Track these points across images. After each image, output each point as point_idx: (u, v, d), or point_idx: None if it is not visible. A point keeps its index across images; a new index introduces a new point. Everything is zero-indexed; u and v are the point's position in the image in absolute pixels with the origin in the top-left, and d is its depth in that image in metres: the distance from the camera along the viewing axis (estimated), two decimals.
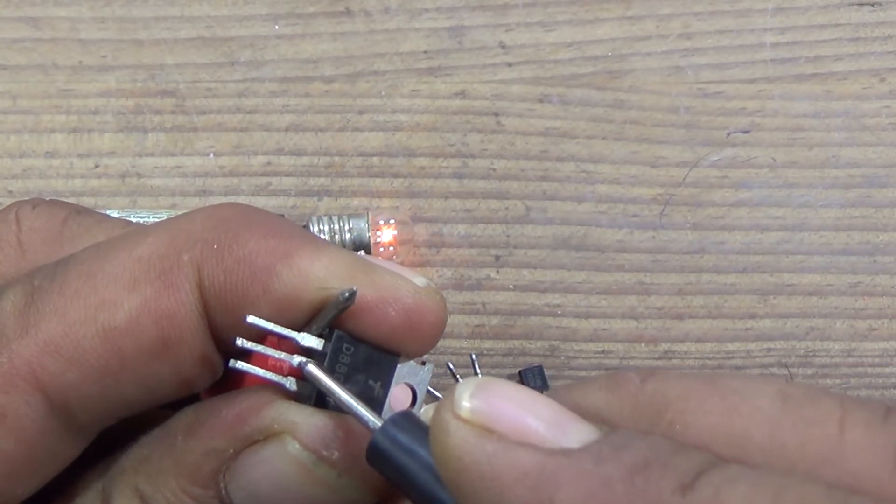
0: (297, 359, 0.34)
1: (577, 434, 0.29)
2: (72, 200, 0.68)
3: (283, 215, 0.71)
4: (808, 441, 0.29)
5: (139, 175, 0.72)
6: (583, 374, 0.71)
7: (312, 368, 0.33)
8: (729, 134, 0.75)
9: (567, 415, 0.29)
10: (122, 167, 0.72)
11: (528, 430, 0.28)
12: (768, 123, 0.76)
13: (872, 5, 0.78)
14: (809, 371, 0.72)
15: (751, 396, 0.29)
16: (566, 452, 0.28)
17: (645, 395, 0.30)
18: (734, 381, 0.30)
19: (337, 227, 0.70)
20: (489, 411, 0.28)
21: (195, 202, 0.72)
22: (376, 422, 0.32)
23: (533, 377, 0.70)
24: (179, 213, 0.68)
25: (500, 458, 0.28)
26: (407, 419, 0.31)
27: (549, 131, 0.75)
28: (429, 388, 0.37)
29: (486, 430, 0.28)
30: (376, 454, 0.31)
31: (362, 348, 0.34)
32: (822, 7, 0.77)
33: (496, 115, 0.75)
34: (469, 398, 0.29)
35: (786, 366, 0.72)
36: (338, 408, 0.33)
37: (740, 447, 0.28)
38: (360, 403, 0.32)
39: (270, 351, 0.34)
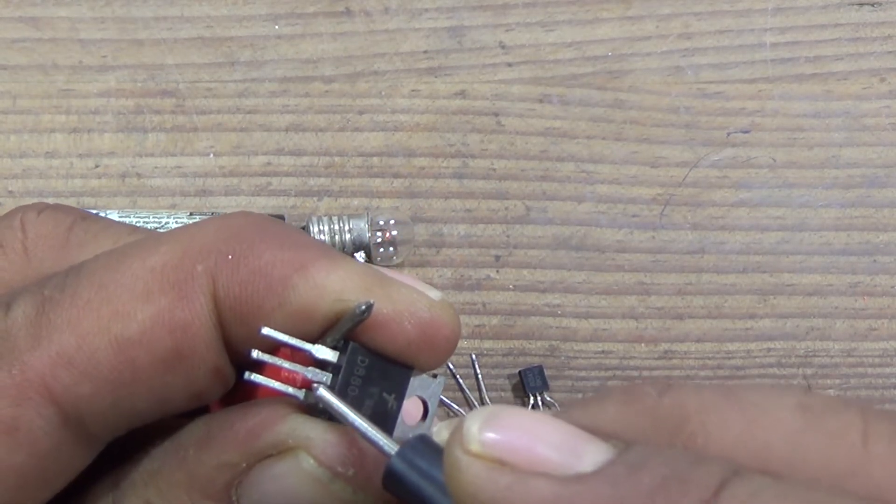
0: (312, 372, 0.33)
1: (591, 456, 0.28)
2: (72, 200, 0.68)
3: (283, 216, 0.71)
4: (831, 454, 0.28)
5: (139, 175, 0.72)
6: (583, 374, 0.71)
7: (324, 392, 0.33)
8: (729, 134, 0.75)
9: (579, 437, 0.29)
10: (122, 167, 0.72)
11: (541, 459, 0.28)
12: (768, 123, 0.76)
13: (872, 5, 0.78)
14: (809, 371, 0.73)
15: (771, 409, 0.29)
16: (581, 478, 0.28)
17: (663, 409, 0.30)
18: (753, 393, 0.30)
19: (337, 227, 0.70)
20: (499, 444, 0.28)
21: (195, 202, 0.71)
22: (392, 446, 0.32)
23: (533, 377, 0.70)
24: (179, 213, 0.68)
25: (514, 491, 0.28)
26: (423, 443, 0.31)
27: (549, 131, 0.74)
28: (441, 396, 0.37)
29: (498, 464, 0.28)
30: (393, 479, 0.31)
31: (377, 361, 0.34)
32: (822, 7, 0.77)
33: (496, 115, 0.74)
34: (478, 431, 0.28)
35: (784, 366, 0.72)
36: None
37: (763, 460, 0.28)
38: (374, 427, 0.32)
39: (286, 363, 0.34)
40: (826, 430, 0.29)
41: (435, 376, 0.36)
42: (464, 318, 0.72)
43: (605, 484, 0.27)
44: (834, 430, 0.29)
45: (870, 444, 0.28)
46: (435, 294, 0.35)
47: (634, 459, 0.28)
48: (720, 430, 0.29)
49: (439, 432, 0.32)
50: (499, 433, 0.28)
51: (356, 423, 0.33)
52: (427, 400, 0.36)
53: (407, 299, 0.34)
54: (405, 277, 0.35)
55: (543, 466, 0.28)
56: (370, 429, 0.32)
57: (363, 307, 0.33)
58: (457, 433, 0.29)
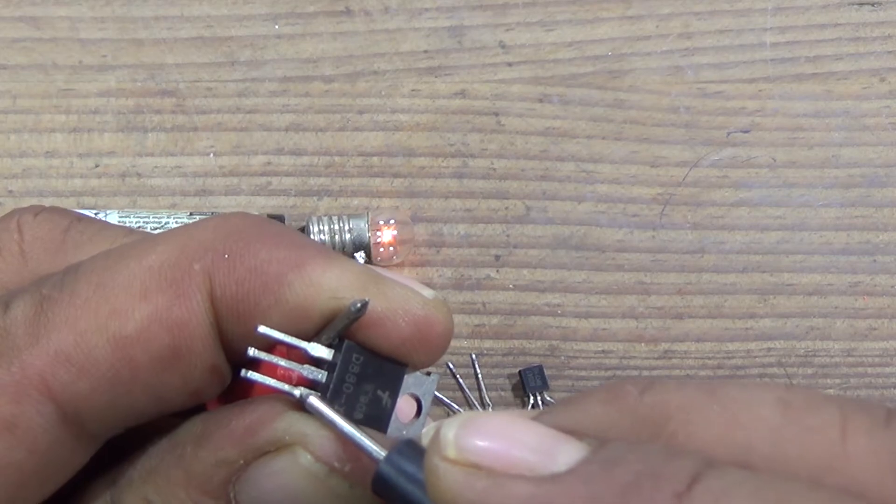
0: (308, 370, 0.34)
1: (565, 456, 0.28)
2: (72, 200, 0.68)
3: (282, 216, 0.71)
4: (810, 449, 0.28)
5: (139, 175, 0.72)
6: (583, 373, 0.72)
7: (314, 401, 0.33)
8: (729, 134, 0.75)
9: (553, 437, 0.29)
10: (122, 167, 0.72)
11: (516, 461, 0.28)
12: (768, 123, 0.76)
13: (872, 5, 0.78)
14: (809, 371, 0.73)
15: (751, 405, 0.29)
16: (555, 478, 0.28)
17: (645, 408, 0.30)
18: (733, 390, 0.30)
19: (337, 227, 0.70)
20: (474, 448, 0.29)
21: (195, 202, 0.72)
22: (380, 452, 0.32)
23: (533, 377, 0.70)
24: (179, 213, 0.68)
25: (491, 494, 0.28)
26: (410, 448, 0.31)
27: (549, 131, 0.75)
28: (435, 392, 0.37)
29: (474, 468, 0.28)
30: (382, 484, 0.31)
31: (371, 359, 0.34)
32: (822, 7, 0.77)
33: (496, 115, 0.75)
34: (454, 438, 0.29)
35: (784, 366, 0.72)
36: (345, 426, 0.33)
37: (744, 457, 0.28)
38: (363, 434, 0.33)
39: (282, 361, 0.34)
40: (805, 425, 0.29)
41: (429, 374, 0.37)
42: (464, 318, 0.72)
43: (579, 482, 0.28)
44: (813, 425, 0.29)
45: (848, 438, 0.28)
46: (428, 292, 0.35)
47: (608, 456, 0.28)
48: (701, 427, 0.29)
49: (426, 436, 0.32)
50: (474, 438, 0.29)
51: (345, 430, 0.33)
52: (421, 397, 0.36)
53: (401, 297, 0.35)
54: (398, 276, 0.36)
55: (518, 468, 0.28)
56: (359, 435, 0.33)
57: (358, 305, 0.33)
58: (434, 440, 0.29)
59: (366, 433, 0.33)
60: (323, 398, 0.34)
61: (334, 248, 0.70)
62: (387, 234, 0.71)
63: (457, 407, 0.70)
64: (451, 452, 0.29)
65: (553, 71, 0.76)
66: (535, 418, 0.30)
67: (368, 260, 0.70)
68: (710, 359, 0.73)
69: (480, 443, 0.29)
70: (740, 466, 0.28)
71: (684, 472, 0.27)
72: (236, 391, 0.36)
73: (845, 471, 0.28)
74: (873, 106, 0.76)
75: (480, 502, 0.28)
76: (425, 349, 0.35)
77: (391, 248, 0.71)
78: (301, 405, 0.34)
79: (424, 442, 0.31)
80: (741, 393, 0.30)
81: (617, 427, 0.30)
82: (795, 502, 0.26)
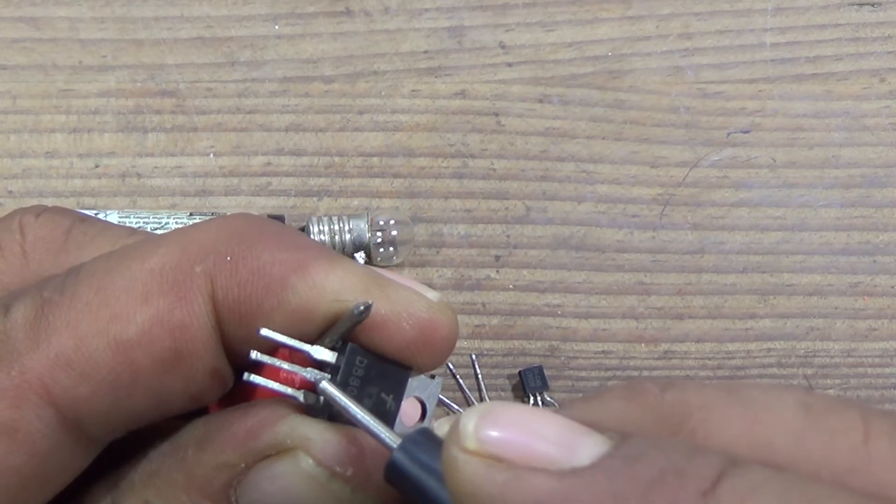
0: (311, 373, 0.33)
1: (587, 450, 0.28)
2: (72, 200, 0.68)
3: (283, 216, 0.71)
4: (832, 451, 0.28)
5: (139, 175, 0.72)
6: (583, 374, 0.71)
7: (327, 385, 0.33)
8: (729, 134, 0.75)
9: (576, 430, 0.29)
10: (122, 167, 0.72)
11: (537, 454, 0.28)
12: (768, 123, 0.76)
13: (872, 5, 0.78)
14: (809, 371, 0.72)
15: (772, 406, 0.29)
16: (577, 472, 0.28)
17: (665, 406, 0.29)
18: (754, 391, 0.30)
19: (337, 227, 0.70)
20: (495, 440, 0.28)
21: (195, 202, 0.71)
22: (394, 439, 0.32)
23: (533, 377, 0.70)
24: (179, 213, 0.68)
25: (511, 488, 0.28)
26: (425, 437, 0.31)
27: (549, 131, 0.74)
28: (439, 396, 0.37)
29: (494, 461, 0.28)
30: (395, 472, 0.31)
31: (375, 362, 0.34)
32: (822, 7, 0.77)
33: (496, 115, 0.74)
34: (474, 429, 0.28)
35: (784, 366, 0.72)
36: (352, 423, 0.33)
37: (764, 457, 0.28)
38: (376, 421, 0.32)
39: (284, 364, 0.34)
40: (827, 427, 0.29)
41: (433, 377, 0.36)
42: (464, 318, 0.72)
43: (602, 477, 0.27)
44: (835, 427, 0.28)
45: (871, 442, 0.28)
46: (433, 295, 0.35)
47: (631, 451, 0.28)
48: (722, 426, 0.29)
49: (440, 426, 0.31)
50: (494, 430, 0.28)
51: (358, 417, 0.32)
52: (425, 401, 0.36)
53: (405, 300, 0.34)
54: (402, 278, 0.35)
55: (540, 461, 0.28)
56: (372, 422, 0.32)
57: (362, 307, 0.33)
58: (453, 431, 0.29)
59: (378, 421, 0.32)
60: (335, 382, 0.33)
61: (334, 248, 0.69)
62: (387, 235, 0.71)
63: (457, 407, 0.70)
64: (470, 444, 0.28)
65: (553, 71, 0.76)
66: (555, 411, 0.30)
67: (368, 260, 0.70)
68: (710, 359, 0.72)
69: (501, 434, 0.28)
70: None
71: (709, 470, 0.27)
72: (238, 394, 0.36)
73: (868, 473, 0.28)
74: (873, 106, 0.76)
75: (501, 495, 0.28)
76: (429, 352, 0.35)
77: (391, 249, 0.71)
78: (304, 409, 0.34)
79: (438, 434, 0.31)
80: (762, 395, 0.30)
81: (637, 423, 0.30)
82: (823, 503, 0.26)
